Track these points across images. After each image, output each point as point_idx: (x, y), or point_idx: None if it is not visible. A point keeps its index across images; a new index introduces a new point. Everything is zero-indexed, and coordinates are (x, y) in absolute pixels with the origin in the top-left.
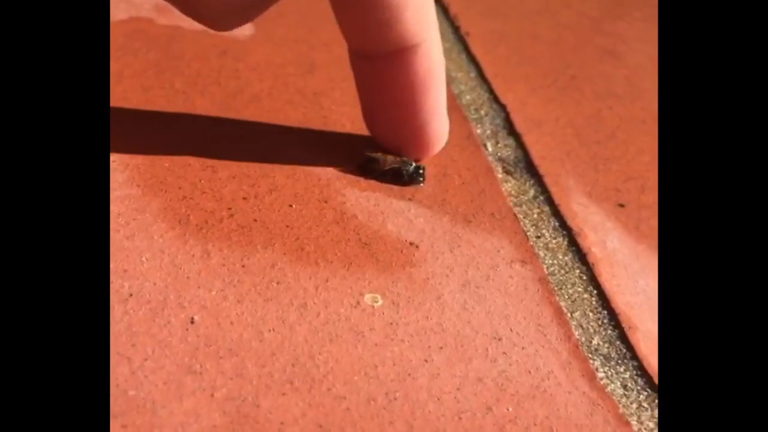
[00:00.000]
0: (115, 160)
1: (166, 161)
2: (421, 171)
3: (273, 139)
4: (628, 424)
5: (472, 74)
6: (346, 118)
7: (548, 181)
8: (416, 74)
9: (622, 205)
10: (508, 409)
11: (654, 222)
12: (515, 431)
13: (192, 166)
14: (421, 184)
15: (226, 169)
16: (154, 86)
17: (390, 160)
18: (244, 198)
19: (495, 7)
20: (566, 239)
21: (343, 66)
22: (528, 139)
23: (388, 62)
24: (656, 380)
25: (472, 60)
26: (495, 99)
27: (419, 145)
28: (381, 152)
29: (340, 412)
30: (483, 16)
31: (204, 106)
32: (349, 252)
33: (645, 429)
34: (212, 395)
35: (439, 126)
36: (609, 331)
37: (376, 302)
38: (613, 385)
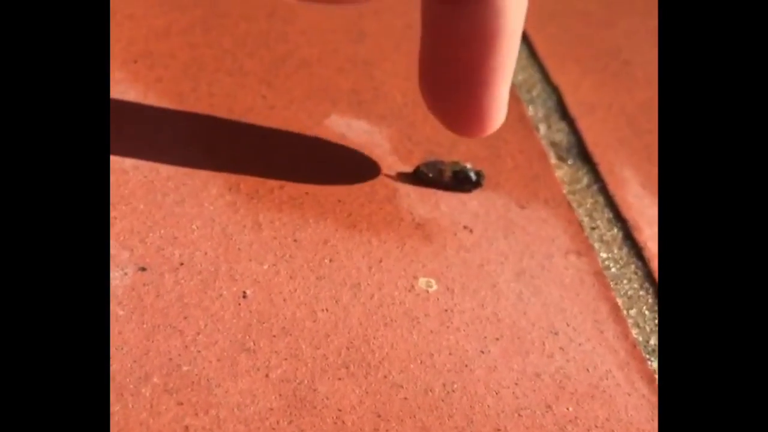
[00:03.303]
0: (164, 117)
1: (215, 123)
2: (482, 179)
3: (324, 108)
4: None
5: (524, 53)
6: (398, 90)
7: (602, 169)
8: (480, 31)
9: None
10: (568, 409)
11: None
12: None
13: (242, 130)
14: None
15: (276, 136)
16: (202, 44)
17: (448, 169)
18: (295, 169)
19: None
20: (621, 232)
21: (393, 36)
22: (581, 124)
23: (455, 8)
24: None
25: (523, 37)
26: (547, 80)
27: (466, 116)
28: (435, 164)
29: (398, 401)
30: None
31: (253, 68)
32: (403, 232)
33: None
34: (267, 375)
35: (496, 98)
36: None
37: (431, 287)
38: None
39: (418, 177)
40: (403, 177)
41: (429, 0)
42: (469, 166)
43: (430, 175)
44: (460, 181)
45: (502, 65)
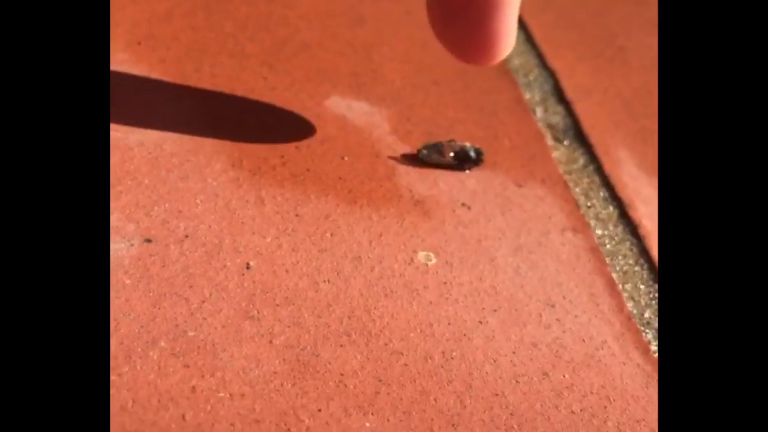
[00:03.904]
0: (167, 96)
1: (217, 103)
2: (482, 156)
3: (324, 89)
4: None
5: (521, 38)
6: (396, 73)
7: (598, 150)
8: None
9: None
10: (564, 376)
11: None
12: (572, 398)
13: (243, 110)
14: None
15: (277, 115)
16: (204, 28)
17: (449, 150)
18: (296, 147)
19: None
20: (617, 210)
21: (392, 21)
22: (577, 108)
23: None
24: None
25: (521, 23)
26: (544, 65)
27: (476, 43)
28: (436, 146)
29: (399, 367)
30: None
31: (254, 50)
32: (402, 208)
33: None
34: (271, 342)
35: (505, 23)
36: None
37: (430, 260)
38: None
39: (420, 159)
40: (404, 158)
41: None
42: (468, 144)
43: (432, 156)
44: (462, 160)
45: None
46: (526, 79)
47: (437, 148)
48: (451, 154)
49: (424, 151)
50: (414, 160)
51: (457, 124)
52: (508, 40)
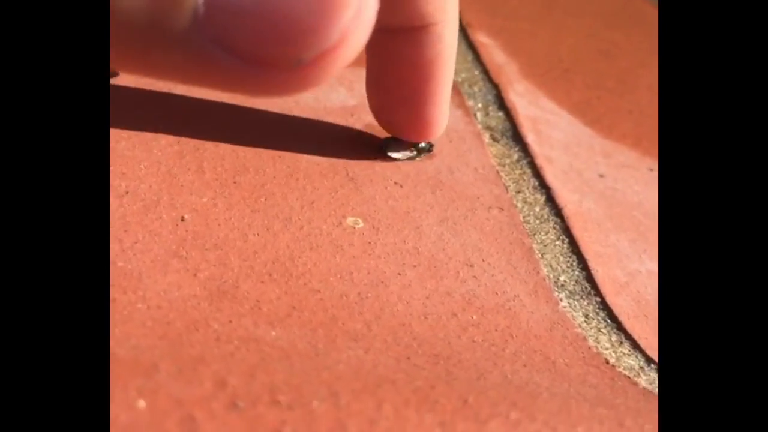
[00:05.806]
0: (128, 82)
1: (167, 98)
2: (432, 146)
3: None
4: (585, 339)
5: (469, 58)
6: (354, 74)
7: (532, 150)
8: (423, 56)
9: (601, 176)
10: (472, 317)
11: (629, 191)
12: (476, 332)
13: (193, 91)
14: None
15: (228, 107)
16: None
17: (407, 142)
18: (241, 125)
19: (498, 8)
20: (544, 196)
21: None
22: (517, 113)
23: (398, 38)
24: (617, 314)
25: (471, 46)
26: (489, 79)
27: (415, 127)
28: (393, 138)
29: (314, 300)
30: (486, 13)
31: None
32: (337, 183)
33: (601, 348)
34: (195, 275)
35: (438, 112)
36: (576, 272)
37: (357, 224)
38: (575, 313)
39: (384, 151)
40: (364, 148)
41: (377, 33)
42: None
43: (393, 147)
44: (419, 151)
45: (442, 83)
46: (470, 90)
47: (397, 141)
48: (410, 145)
49: (384, 144)
50: (377, 151)
51: None
52: (440, 123)
